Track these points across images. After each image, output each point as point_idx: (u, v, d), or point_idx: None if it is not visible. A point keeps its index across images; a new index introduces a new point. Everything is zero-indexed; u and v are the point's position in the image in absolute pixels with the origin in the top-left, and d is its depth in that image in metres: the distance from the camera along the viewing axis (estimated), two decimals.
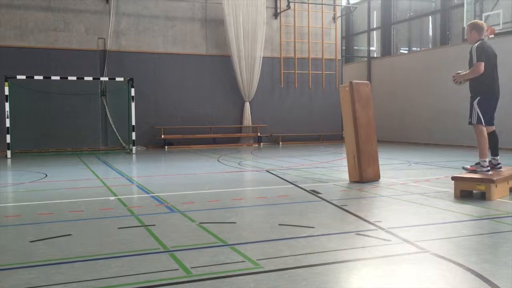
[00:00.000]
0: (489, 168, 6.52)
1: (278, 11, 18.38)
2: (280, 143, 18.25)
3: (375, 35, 21.71)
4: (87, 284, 3.22)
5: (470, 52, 6.53)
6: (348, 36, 23.30)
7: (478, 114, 6.48)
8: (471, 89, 6.61)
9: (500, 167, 6.80)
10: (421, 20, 19.53)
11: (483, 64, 6.31)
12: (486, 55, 6.44)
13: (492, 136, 6.71)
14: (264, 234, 4.58)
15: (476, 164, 6.62)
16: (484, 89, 6.54)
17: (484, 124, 6.51)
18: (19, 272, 3.50)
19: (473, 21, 6.90)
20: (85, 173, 9.66)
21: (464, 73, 6.65)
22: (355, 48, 23.63)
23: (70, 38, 15.76)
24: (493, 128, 6.77)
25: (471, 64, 6.53)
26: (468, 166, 6.70)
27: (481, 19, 13.78)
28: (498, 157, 6.80)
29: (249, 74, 17.70)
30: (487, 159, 6.57)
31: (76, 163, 11.71)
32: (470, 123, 6.57)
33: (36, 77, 14.02)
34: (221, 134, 17.57)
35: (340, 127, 18.77)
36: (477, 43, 6.48)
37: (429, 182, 7.69)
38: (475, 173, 6.45)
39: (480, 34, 6.56)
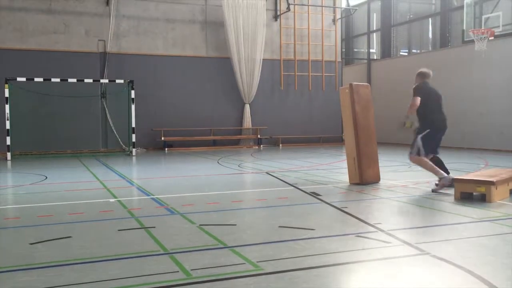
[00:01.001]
0: (450, 176, 6.96)
1: (278, 13, 18.40)
2: (280, 145, 18.25)
3: (375, 37, 21.73)
4: (87, 286, 3.22)
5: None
6: (348, 38, 23.32)
7: (419, 148, 7.14)
8: (420, 125, 7.30)
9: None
10: (421, 22, 19.55)
11: (418, 98, 7.08)
12: (423, 92, 7.18)
13: (436, 160, 7.34)
14: (264, 236, 4.58)
15: (439, 180, 7.00)
16: (429, 125, 7.21)
17: (423, 156, 7.16)
18: (19, 274, 3.49)
19: (420, 69, 7.69)
20: (85, 175, 9.66)
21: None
22: (355, 50, 23.65)
23: (70, 40, 15.77)
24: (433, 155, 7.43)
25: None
26: (436, 186, 7.05)
27: (481, 21, 13.81)
28: (450, 174, 7.23)
29: (249, 76, 17.70)
30: (441, 174, 7.00)
31: (76, 165, 11.71)
32: (411, 153, 7.29)
33: (36, 79, 14.02)
34: (221, 136, 17.57)
35: (340, 129, 18.77)
36: (417, 84, 7.39)
37: (429, 184, 7.68)
38: (446, 188, 6.89)
39: (422, 79, 7.46)
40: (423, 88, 7.26)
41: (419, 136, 7.15)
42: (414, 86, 7.34)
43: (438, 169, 7.06)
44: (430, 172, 7.19)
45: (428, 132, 7.15)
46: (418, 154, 7.13)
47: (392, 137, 19.02)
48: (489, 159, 12.20)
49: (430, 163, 7.13)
